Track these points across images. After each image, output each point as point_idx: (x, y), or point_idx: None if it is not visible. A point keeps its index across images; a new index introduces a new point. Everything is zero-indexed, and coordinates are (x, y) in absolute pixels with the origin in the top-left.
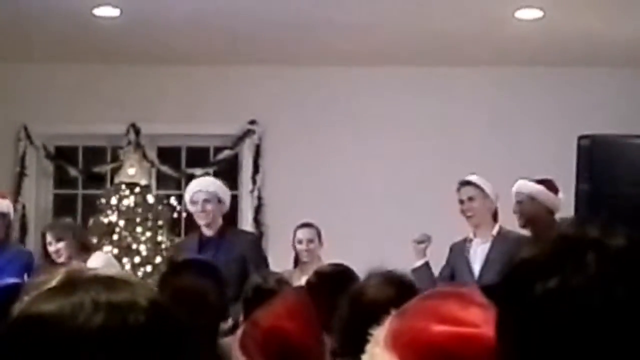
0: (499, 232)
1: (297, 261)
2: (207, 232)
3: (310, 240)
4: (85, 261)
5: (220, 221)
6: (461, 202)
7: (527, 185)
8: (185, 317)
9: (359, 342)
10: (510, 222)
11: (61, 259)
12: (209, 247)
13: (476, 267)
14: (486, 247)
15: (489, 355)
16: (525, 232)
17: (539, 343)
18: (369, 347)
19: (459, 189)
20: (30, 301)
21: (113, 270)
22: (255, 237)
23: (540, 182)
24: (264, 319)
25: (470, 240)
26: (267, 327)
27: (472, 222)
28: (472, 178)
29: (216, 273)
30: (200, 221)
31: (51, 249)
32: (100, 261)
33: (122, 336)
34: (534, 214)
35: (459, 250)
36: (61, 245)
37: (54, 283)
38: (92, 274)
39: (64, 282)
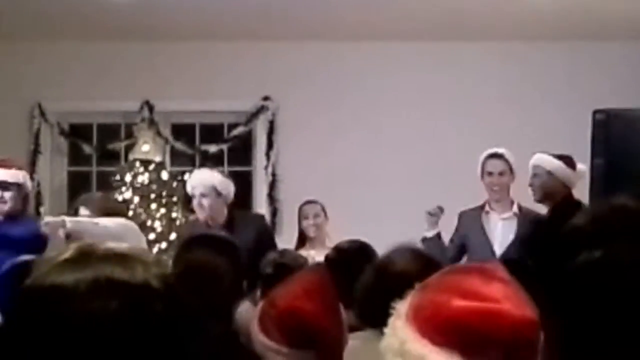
0: (520, 210)
1: (302, 240)
2: (213, 224)
3: (316, 215)
4: None
5: (225, 212)
6: (490, 174)
7: (545, 160)
8: (199, 295)
9: (381, 313)
10: (522, 197)
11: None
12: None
13: (496, 242)
14: (509, 224)
15: (509, 331)
16: (541, 209)
17: (576, 312)
18: (391, 320)
19: (487, 160)
20: (45, 271)
21: (125, 244)
22: (265, 222)
23: (557, 157)
24: (281, 298)
25: (487, 212)
26: (284, 308)
27: (496, 196)
28: (503, 152)
29: (233, 250)
30: (199, 215)
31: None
32: (118, 224)
33: (136, 323)
34: (550, 189)
35: (472, 220)
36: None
37: (66, 255)
38: (106, 249)
39: (79, 255)
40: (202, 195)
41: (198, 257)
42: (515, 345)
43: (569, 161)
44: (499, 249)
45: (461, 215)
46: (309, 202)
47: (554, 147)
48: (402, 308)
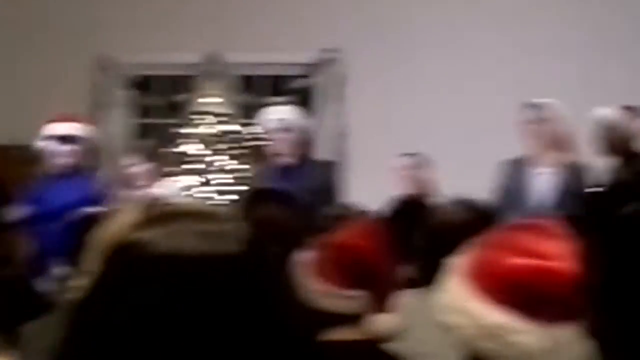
0: (569, 161)
1: None
2: (287, 160)
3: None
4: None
5: (299, 150)
6: (530, 122)
7: (607, 113)
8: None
9: (437, 268)
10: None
11: (139, 183)
12: (290, 175)
13: (542, 194)
14: (555, 175)
15: (565, 288)
16: (595, 161)
17: (624, 262)
18: (447, 276)
19: (528, 110)
20: (129, 229)
21: (196, 203)
22: (332, 167)
23: (621, 109)
24: (337, 237)
25: (531, 164)
26: (341, 245)
27: (538, 144)
28: (547, 101)
29: (295, 203)
30: (281, 149)
31: (131, 170)
32: (169, 189)
33: (225, 263)
34: (613, 142)
35: (516, 171)
36: (141, 169)
37: (131, 213)
38: (188, 207)
39: (161, 214)
40: (287, 129)
41: (266, 211)
42: (571, 301)
43: (632, 113)
44: (539, 200)
45: (504, 166)
46: (407, 154)
47: (622, 99)
48: (458, 265)
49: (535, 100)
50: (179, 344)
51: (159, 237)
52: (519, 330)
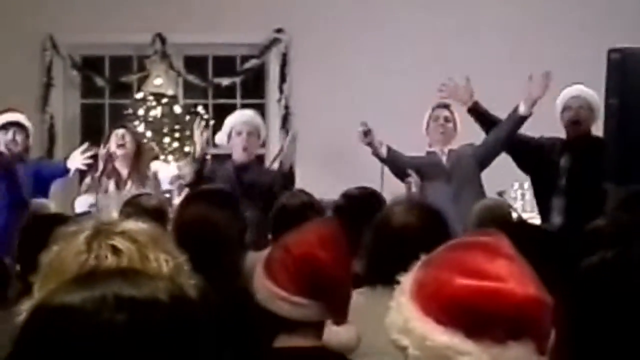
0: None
1: None
2: (241, 159)
3: None
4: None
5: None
6: (436, 118)
7: (590, 95)
8: (200, 249)
9: (384, 268)
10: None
11: (124, 151)
12: (246, 172)
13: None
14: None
15: (512, 309)
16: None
17: (589, 311)
18: (395, 295)
19: (436, 109)
20: (53, 291)
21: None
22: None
23: None
24: (296, 246)
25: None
26: (300, 255)
27: (443, 138)
28: (450, 105)
29: (232, 202)
30: (241, 155)
31: (118, 140)
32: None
33: (145, 333)
34: (589, 124)
35: (431, 160)
36: (129, 138)
37: (83, 235)
38: (114, 269)
39: (86, 275)
40: (250, 133)
41: (195, 211)
42: (519, 323)
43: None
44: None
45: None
46: None
47: (567, 86)
48: (406, 283)
49: (445, 101)
50: None
51: (81, 303)
52: (465, 351)
